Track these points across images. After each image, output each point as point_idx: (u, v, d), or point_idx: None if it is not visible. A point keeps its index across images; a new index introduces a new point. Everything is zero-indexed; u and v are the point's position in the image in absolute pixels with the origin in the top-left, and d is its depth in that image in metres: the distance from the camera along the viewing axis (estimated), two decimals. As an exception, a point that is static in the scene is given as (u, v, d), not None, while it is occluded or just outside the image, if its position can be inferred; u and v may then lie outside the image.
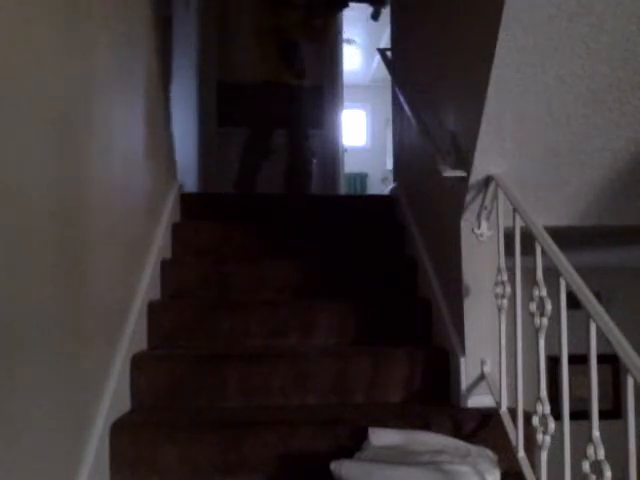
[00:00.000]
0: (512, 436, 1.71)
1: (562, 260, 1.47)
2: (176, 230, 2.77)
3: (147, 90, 2.41)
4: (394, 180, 3.38)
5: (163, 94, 2.72)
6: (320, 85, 5.20)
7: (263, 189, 3.78)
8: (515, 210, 1.72)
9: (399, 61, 3.06)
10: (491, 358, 1.94)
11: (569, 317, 1.44)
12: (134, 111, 2.16)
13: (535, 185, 1.92)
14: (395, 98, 3.11)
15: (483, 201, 1.93)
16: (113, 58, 1.86)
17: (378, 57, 4.44)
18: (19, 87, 1.19)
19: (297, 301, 2.48)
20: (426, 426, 1.81)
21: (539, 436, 1.51)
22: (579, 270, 1.43)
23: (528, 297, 1.56)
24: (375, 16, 3.80)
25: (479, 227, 1.98)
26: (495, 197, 1.88)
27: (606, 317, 1.29)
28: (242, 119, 3.83)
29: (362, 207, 3.35)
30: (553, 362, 1.55)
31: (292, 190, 3.65)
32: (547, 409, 1.51)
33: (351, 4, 3.74)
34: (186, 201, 3.04)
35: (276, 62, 3.52)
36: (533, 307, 1.54)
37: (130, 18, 2.12)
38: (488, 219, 1.97)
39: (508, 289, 1.79)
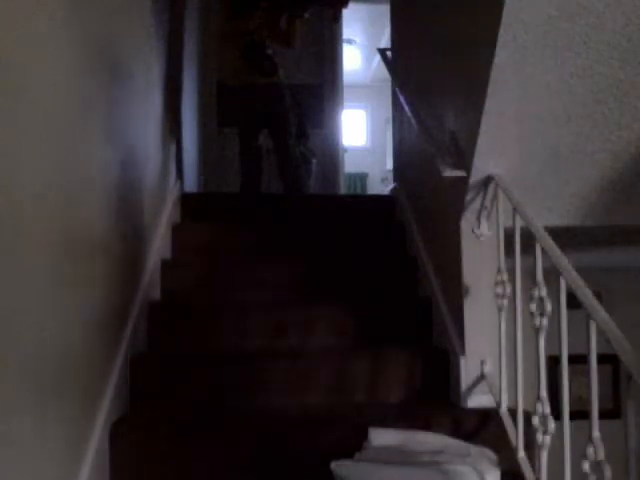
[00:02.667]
0: (512, 436, 1.71)
1: (562, 260, 1.47)
2: (176, 230, 2.77)
3: (150, 89, 2.42)
4: (394, 180, 3.38)
5: (166, 93, 2.72)
6: (320, 85, 5.20)
7: (265, 189, 3.79)
8: (515, 210, 1.72)
9: (399, 61, 3.06)
10: (491, 358, 1.94)
11: (569, 317, 1.44)
12: (136, 110, 2.16)
13: (535, 185, 1.92)
14: (395, 98, 3.11)
15: (483, 201, 1.93)
16: (114, 58, 1.86)
17: (378, 57, 4.44)
18: (19, 86, 1.18)
19: (297, 301, 2.47)
20: (426, 426, 1.81)
21: (539, 436, 1.51)
22: (579, 270, 1.43)
23: (528, 297, 1.56)
24: (336, 18, 3.83)
25: (479, 227, 1.98)
26: (495, 197, 1.88)
27: (606, 317, 1.29)
28: (233, 120, 3.84)
29: (362, 207, 3.35)
30: (553, 362, 1.55)
31: (287, 190, 3.65)
32: (547, 409, 1.51)
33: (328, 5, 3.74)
34: (186, 201, 3.04)
35: (243, 65, 3.52)
36: (533, 307, 1.54)
37: (132, 17, 2.12)
38: (488, 219, 1.97)
39: (508, 289, 1.79)
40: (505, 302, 1.80)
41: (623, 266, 3.22)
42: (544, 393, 1.53)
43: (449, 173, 1.93)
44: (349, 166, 6.57)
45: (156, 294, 2.43)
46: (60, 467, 1.41)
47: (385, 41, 6.13)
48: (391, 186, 3.41)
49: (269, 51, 3.52)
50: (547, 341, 1.53)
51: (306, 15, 3.55)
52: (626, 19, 1.51)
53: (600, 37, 1.55)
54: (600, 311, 1.30)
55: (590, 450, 1.27)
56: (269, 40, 3.52)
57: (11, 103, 1.15)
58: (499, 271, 1.83)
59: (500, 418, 1.80)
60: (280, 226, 2.92)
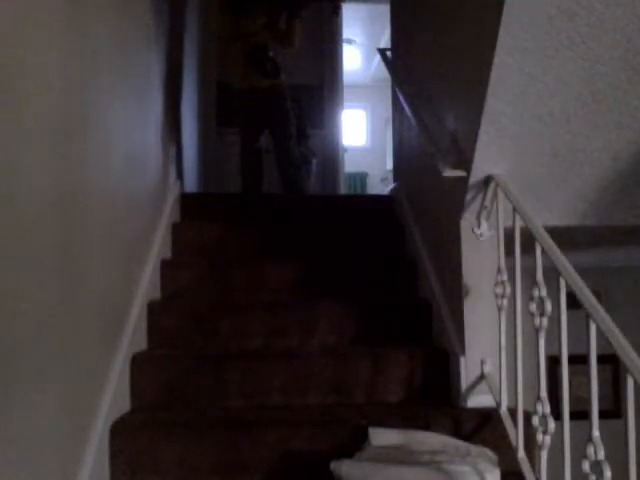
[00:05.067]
0: (512, 436, 1.71)
1: (562, 260, 1.47)
2: (176, 230, 2.77)
3: (150, 89, 2.41)
4: (394, 180, 3.38)
5: (166, 93, 2.72)
6: (320, 85, 5.20)
7: (265, 189, 3.80)
8: (515, 210, 1.72)
9: (399, 61, 3.06)
10: (491, 358, 1.94)
11: (569, 317, 1.44)
12: (135, 111, 2.15)
13: (535, 185, 1.92)
14: (395, 98, 3.11)
15: (483, 201, 1.93)
16: (114, 58, 1.86)
17: (378, 57, 4.43)
18: (18, 87, 1.19)
19: (297, 301, 2.47)
20: (426, 426, 1.81)
21: (539, 436, 1.51)
22: (579, 270, 1.43)
23: (528, 297, 1.56)
24: (336, 11, 3.91)
25: (479, 227, 1.98)
26: (495, 197, 1.88)
27: (606, 317, 1.29)
28: (235, 121, 3.85)
29: (362, 207, 3.35)
30: (553, 362, 1.55)
31: (287, 190, 3.66)
32: (547, 409, 1.51)
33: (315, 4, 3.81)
34: (186, 201, 3.04)
35: (244, 68, 3.51)
36: (533, 307, 1.54)
37: (132, 17, 2.12)
38: (488, 219, 1.97)
39: (508, 289, 1.79)
40: (505, 302, 1.80)
41: (623, 266, 3.22)
42: (544, 393, 1.53)
43: (449, 173, 1.93)
44: (349, 166, 6.57)
45: (156, 293, 2.43)
46: (60, 466, 1.41)
47: (385, 41, 6.13)
48: (391, 186, 3.41)
49: (271, 53, 3.52)
50: (547, 341, 1.53)
51: (304, 14, 3.57)
52: (626, 19, 1.51)
53: (600, 37, 1.55)
54: (600, 311, 1.30)
55: (590, 450, 1.27)
56: (270, 41, 3.52)
57: (11, 104, 1.15)
58: (499, 271, 1.83)
59: (500, 418, 1.80)
60: (280, 226, 2.92)
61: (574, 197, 1.98)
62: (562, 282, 1.44)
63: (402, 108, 2.67)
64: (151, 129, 2.45)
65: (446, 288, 2.24)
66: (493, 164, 1.85)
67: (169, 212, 2.73)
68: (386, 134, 7.78)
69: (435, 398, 2.10)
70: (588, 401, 1.31)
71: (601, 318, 1.29)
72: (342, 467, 1.55)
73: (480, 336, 1.99)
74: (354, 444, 1.71)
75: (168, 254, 2.67)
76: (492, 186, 1.88)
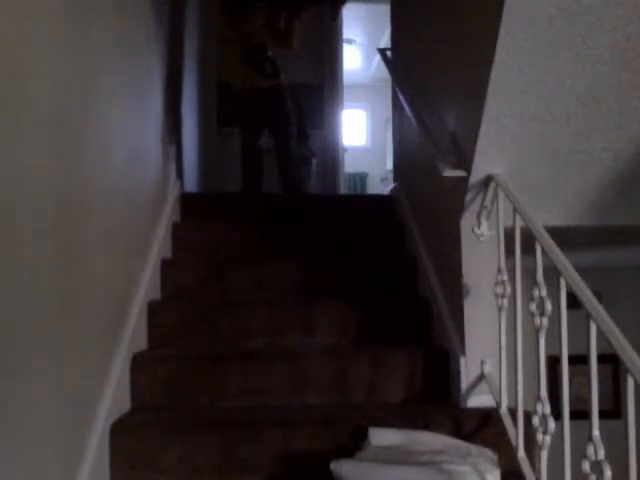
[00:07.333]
0: (512, 436, 1.71)
1: (562, 260, 1.47)
2: (176, 230, 2.77)
3: (150, 89, 2.42)
4: (394, 180, 3.38)
5: (166, 93, 2.72)
6: (320, 85, 5.20)
7: (265, 189, 3.80)
8: (515, 210, 1.72)
9: (399, 61, 3.06)
10: (491, 358, 1.94)
11: (569, 317, 1.44)
12: (135, 111, 2.15)
13: (535, 185, 1.92)
14: (395, 98, 3.11)
15: (483, 201, 1.93)
16: (114, 58, 1.86)
17: (378, 57, 4.44)
18: (18, 87, 1.18)
19: (297, 301, 2.47)
20: (426, 426, 1.81)
21: (539, 436, 1.51)
22: (579, 270, 1.43)
23: (528, 297, 1.56)
24: (333, 16, 3.88)
25: (479, 227, 1.98)
26: (495, 197, 1.88)
27: (606, 317, 1.29)
28: (235, 121, 3.85)
29: (362, 207, 3.35)
30: (553, 362, 1.55)
31: (287, 190, 3.66)
32: (547, 409, 1.51)
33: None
34: (186, 200, 3.05)
35: (245, 68, 3.52)
36: (533, 307, 1.54)
37: (132, 17, 2.12)
38: (488, 219, 1.97)
39: (508, 289, 1.79)
40: (505, 302, 1.80)
41: (623, 266, 3.22)
42: (544, 393, 1.53)
43: (449, 173, 1.93)
44: (349, 166, 6.57)
45: (156, 293, 2.43)
46: (60, 466, 1.41)
47: (385, 41, 6.12)
48: (391, 186, 3.41)
49: (269, 52, 3.52)
50: (547, 341, 1.53)
51: (303, 16, 3.56)
52: (626, 19, 1.51)
53: (600, 37, 1.55)
54: (600, 311, 1.30)
55: (590, 450, 1.27)
56: (269, 42, 3.52)
57: (11, 104, 1.15)
58: (499, 271, 1.83)
59: (500, 418, 1.80)
60: (280, 226, 2.92)
61: (574, 197, 1.98)
62: (562, 282, 1.44)
63: (402, 108, 2.67)
64: (151, 129, 2.45)
65: (446, 288, 2.24)
66: (493, 164, 1.85)
67: (169, 212, 2.73)
68: (386, 134, 7.77)
69: (435, 398, 2.10)
70: (588, 401, 1.31)
71: (601, 318, 1.29)
72: (342, 467, 1.55)
73: (480, 336, 1.99)
74: (354, 444, 1.71)
75: (168, 254, 2.67)
76: (492, 186, 1.88)
